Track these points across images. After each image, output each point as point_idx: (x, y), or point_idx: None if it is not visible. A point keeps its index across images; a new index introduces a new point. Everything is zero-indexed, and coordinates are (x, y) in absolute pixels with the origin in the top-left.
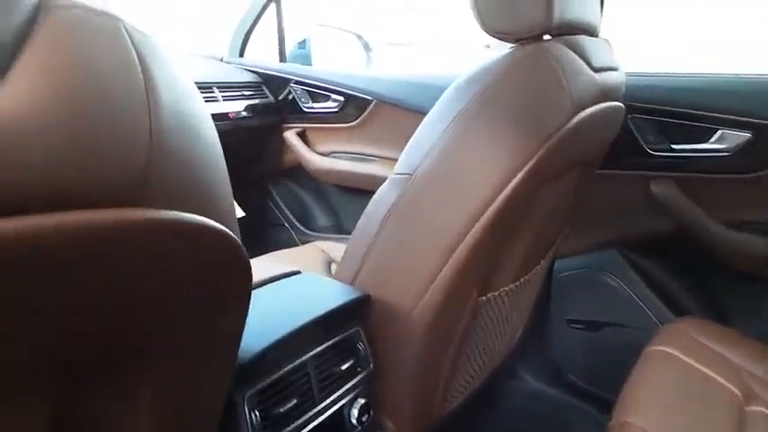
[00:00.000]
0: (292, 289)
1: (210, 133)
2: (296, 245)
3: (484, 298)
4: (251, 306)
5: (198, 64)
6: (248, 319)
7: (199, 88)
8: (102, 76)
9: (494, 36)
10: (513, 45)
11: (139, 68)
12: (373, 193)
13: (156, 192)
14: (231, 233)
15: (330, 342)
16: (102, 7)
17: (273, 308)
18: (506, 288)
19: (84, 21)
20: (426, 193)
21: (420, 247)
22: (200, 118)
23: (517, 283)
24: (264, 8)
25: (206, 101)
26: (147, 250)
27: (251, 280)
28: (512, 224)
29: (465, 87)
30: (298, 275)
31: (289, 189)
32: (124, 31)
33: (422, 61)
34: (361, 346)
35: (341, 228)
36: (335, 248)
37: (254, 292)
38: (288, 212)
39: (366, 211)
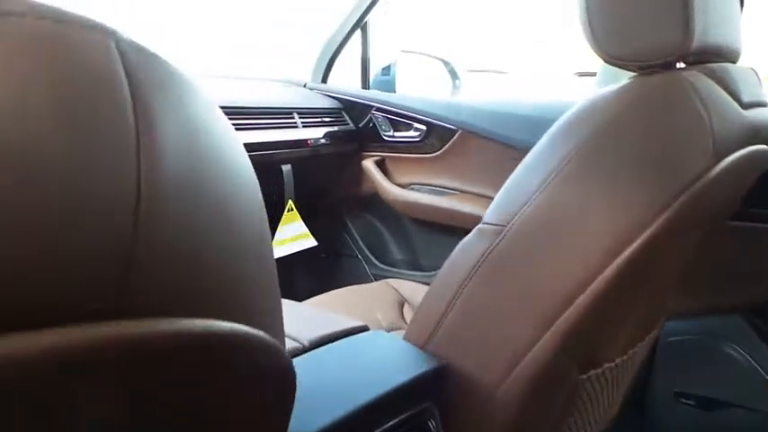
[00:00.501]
0: (356, 352)
1: (248, 200)
2: (368, 278)
3: (584, 376)
4: (306, 371)
5: (279, 90)
6: (301, 390)
7: (279, 114)
8: (65, 119)
9: (612, 63)
10: (634, 74)
11: (130, 104)
12: (454, 229)
13: (146, 293)
14: (271, 339)
15: (395, 420)
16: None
17: (332, 377)
18: (611, 364)
19: (44, 36)
20: (523, 251)
21: (511, 313)
22: (231, 178)
23: (624, 357)
24: (350, 34)
25: (285, 127)
26: (131, 380)
27: (294, 391)
28: (626, 292)
29: (575, 126)
30: (364, 334)
31: (364, 220)
32: (115, 51)
33: (513, 89)
34: (432, 425)
35: (416, 264)
36: (408, 288)
37: (312, 353)
38: (362, 244)
39: (447, 263)
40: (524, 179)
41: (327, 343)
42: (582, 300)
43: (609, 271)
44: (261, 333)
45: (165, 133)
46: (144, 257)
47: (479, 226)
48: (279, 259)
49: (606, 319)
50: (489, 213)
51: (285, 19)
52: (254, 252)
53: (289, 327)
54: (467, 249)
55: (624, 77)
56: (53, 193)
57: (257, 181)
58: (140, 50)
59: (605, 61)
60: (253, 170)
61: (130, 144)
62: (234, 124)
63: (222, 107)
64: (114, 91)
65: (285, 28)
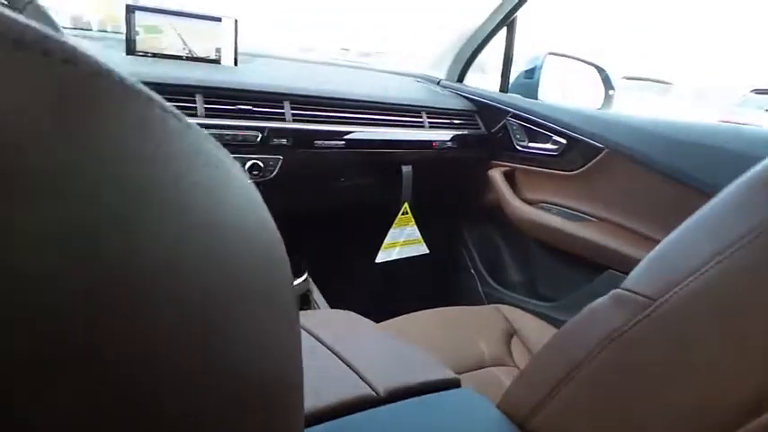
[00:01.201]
0: (438, 416)
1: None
2: (478, 296)
3: None
4: (374, 428)
5: (409, 85)
6: None
7: (406, 112)
8: None
9: None
10: None
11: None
12: (586, 261)
13: None
14: None
15: None
16: None
17: None
18: None
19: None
20: (680, 338)
21: (647, 411)
22: (234, 246)
23: None
24: (495, 32)
25: (411, 126)
26: None
27: None
28: None
29: None
30: (453, 392)
31: (483, 233)
32: (49, 71)
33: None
34: None
35: (534, 290)
36: (521, 318)
37: (387, 407)
38: (477, 259)
39: (570, 325)
40: (691, 242)
41: (407, 396)
42: (758, 423)
43: None
44: None
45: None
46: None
47: (618, 291)
48: (386, 263)
49: None
50: (635, 277)
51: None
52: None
53: (367, 365)
54: (598, 316)
55: None
56: None
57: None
58: (97, 68)
59: None
60: (279, 241)
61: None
62: (357, 119)
63: (344, 99)
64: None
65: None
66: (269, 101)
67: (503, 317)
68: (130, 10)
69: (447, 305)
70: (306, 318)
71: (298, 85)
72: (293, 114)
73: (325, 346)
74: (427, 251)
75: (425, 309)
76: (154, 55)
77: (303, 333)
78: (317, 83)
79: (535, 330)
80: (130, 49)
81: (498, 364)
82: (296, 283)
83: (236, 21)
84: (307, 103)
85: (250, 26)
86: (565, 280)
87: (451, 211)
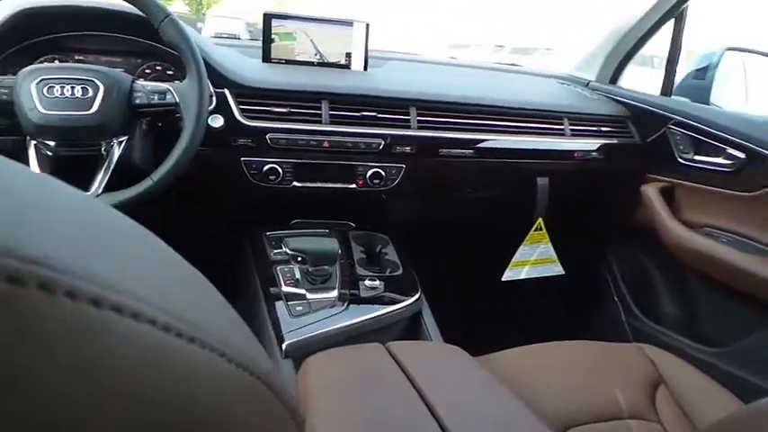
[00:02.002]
0: None
1: None
2: (622, 330)
3: None
4: None
5: (552, 88)
6: None
7: (545, 118)
8: None
9: None
10: None
11: None
12: (759, 300)
13: None
14: None
15: None
16: None
17: None
18: None
19: None
20: None
21: None
22: None
23: None
24: (659, 25)
25: (550, 134)
26: None
27: None
28: None
29: None
30: None
31: (631, 256)
32: None
33: None
34: None
35: (691, 330)
36: (672, 365)
37: None
38: (622, 286)
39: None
40: None
41: None
42: None
43: None
44: None
45: None
46: None
47: None
48: (512, 283)
49: None
50: None
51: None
52: None
53: (456, 424)
54: None
55: None
56: None
57: None
58: None
59: None
60: None
61: None
62: (488, 126)
63: (474, 105)
64: None
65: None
66: (394, 107)
67: (647, 359)
68: (267, 18)
69: (581, 337)
70: (408, 351)
71: (426, 90)
72: (419, 121)
73: (420, 394)
74: (562, 272)
75: (555, 340)
76: (287, 61)
77: (397, 369)
78: (447, 87)
79: (689, 380)
80: (266, 56)
81: (637, 416)
82: (407, 303)
83: (367, 24)
84: (434, 109)
85: (401, 26)
86: (733, 322)
87: (593, 229)
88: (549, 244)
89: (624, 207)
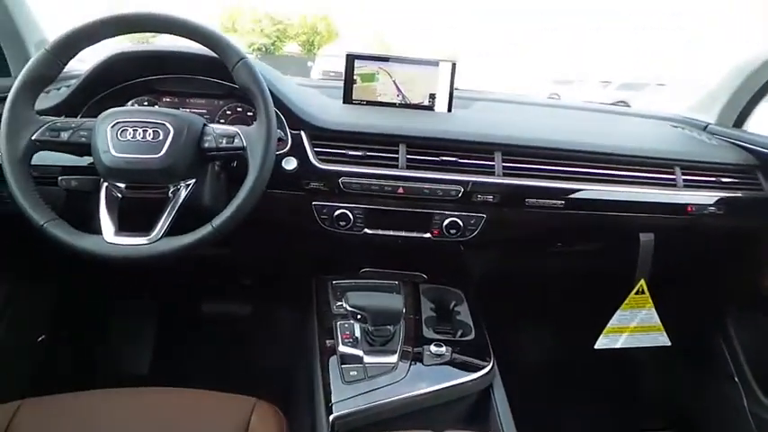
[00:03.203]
0: None
1: None
2: (742, 416)
3: None
4: None
5: (663, 131)
6: None
7: (653, 166)
8: None
9: None
10: None
11: None
12: None
13: None
14: None
15: None
16: None
17: None
18: None
19: None
20: None
21: None
22: None
23: None
24: None
25: (658, 184)
26: None
27: None
28: None
29: None
30: None
31: (756, 330)
32: None
33: None
34: None
35: None
36: None
37: None
38: (745, 365)
39: None
40: None
41: None
42: None
43: None
44: None
45: None
46: None
47: None
48: (607, 354)
49: None
50: None
51: None
52: None
53: None
54: None
55: None
56: None
57: None
58: None
59: None
60: None
61: None
62: (583, 174)
63: (567, 150)
64: None
65: None
66: (477, 151)
67: None
68: (350, 59)
69: (689, 425)
70: None
71: (514, 132)
72: (504, 167)
73: None
74: (668, 343)
75: (658, 429)
76: (368, 102)
77: None
78: (539, 130)
79: None
80: (347, 97)
81: None
82: (476, 375)
83: (453, 64)
84: (522, 155)
85: (500, 62)
86: None
87: (708, 295)
88: (653, 309)
89: (748, 271)
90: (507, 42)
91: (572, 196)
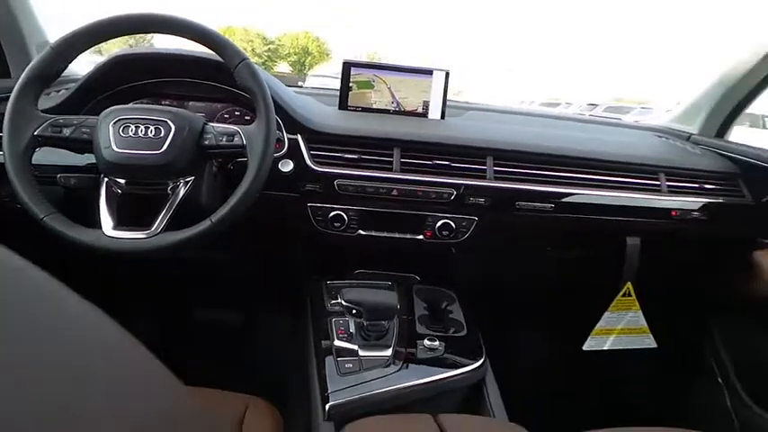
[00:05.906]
0: None
1: None
2: (726, 418)
3: None
4: None
5: (648, 140)
6: None
7: (638, 172)
8: None
9: None
10: None
11: None
12: None
13: None
14: None
15: None
16: None
17: None
18: None
19: None
20: None
21: None
22: None
23: None
24: None
25: (644, 189)
26: None
27: None
28: None
29: None
30: None
31: (741, 332)
32: None
33: None
34: None
35: None
36: None
37: None
38: (729, 367)
39: None
40: None
41: None
42: None
43: None
44: None
45: None
46: None
47: None
48: (593, 355)
49: None
50: None
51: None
52: None
53: None
54: None
55: None
56: None
57: None
58: None
59: None
60: None
61: None
62: (572, 179)
63: (557, 156)
64: None
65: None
66: (469, 155)
67: None
68: (347, 66)
69: (674, 424)
70: (460, 426)
71: (505, 138)
72: (496, 171)
73: None
74: (654, 345)
75: (640, 425)
76: (363, 109)
77: None
78: (529, 137)
79: None
80: (343, 103)
81: None
82: (469, 369)
83: (447, 73)
84: (513, 159)
85: (491, 79)
86: None
87: (693, 299)
88: (640, 312)
89: (732, 276)
90: (499, 66)
91: (561, 200)
